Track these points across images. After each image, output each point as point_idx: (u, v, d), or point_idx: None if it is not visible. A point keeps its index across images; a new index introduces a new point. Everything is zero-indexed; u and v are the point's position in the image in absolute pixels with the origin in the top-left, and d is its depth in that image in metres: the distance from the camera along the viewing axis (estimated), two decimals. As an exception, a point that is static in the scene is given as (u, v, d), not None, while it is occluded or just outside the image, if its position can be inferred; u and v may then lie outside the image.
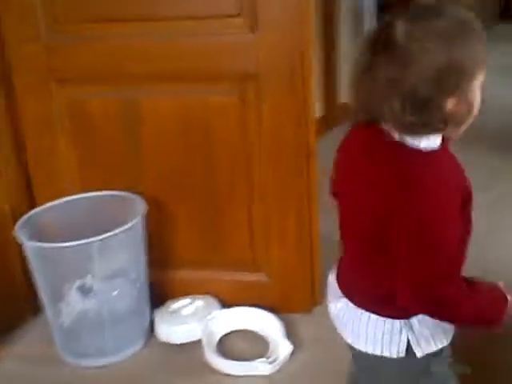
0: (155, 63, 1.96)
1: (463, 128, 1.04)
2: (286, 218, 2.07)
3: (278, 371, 1.90)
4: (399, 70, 0.95)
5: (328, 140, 3.33)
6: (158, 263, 2.12)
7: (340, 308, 1.21)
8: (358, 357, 1.22)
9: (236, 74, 1.94)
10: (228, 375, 1.90)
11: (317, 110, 3.60)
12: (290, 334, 2.01)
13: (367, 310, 1.15)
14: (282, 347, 1.94)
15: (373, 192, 1.05)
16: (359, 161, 1.11)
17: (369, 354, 1.16)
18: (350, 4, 4.05)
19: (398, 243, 1.02)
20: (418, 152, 1.02)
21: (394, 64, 0.96)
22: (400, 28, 0.95)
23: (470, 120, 1.03)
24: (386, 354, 1.14)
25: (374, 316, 1.14)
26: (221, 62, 1.93)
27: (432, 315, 1.07)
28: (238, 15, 1.87)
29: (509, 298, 1.09)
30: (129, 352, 2.04)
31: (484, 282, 1.11)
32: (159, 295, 2.16)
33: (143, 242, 2.01)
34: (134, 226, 1.91)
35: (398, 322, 1.12)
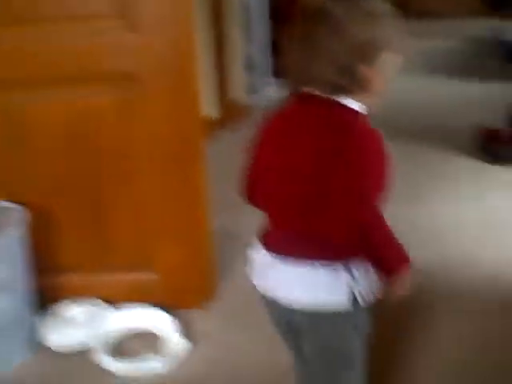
0: (34, 66, 1.92)
1: (376, 99, 1.24)
2: (175, 217, 2.08)
3: (175, 369, 1.91)
4: (331, 38, 1.15)
5: (221, 140, 3.37)
6: (47, 270, 2.08)
7: (277, 275, 1.26)
8: (300, 319, 1.27)
9: (117, 75, 1.93)
10: (123, 377, 1.88)
11: (209, 110, 3.61)
12: (185, 330, 2.02)
13: (309, 262, 1.21)
14: (176, 344, 1.96)
15: (319, 143, 1.19)
16: (296, 129, 1.24)
17: (314, 312, 1.22)
18: (241, 2, 4.08)
19: (341, 185, 1.16)
20: (353, 110, 1.21)
21: (328, 34, 1.15)
22: (336, 7, 1.16)
23: (379, 96, 1.24)
24: (336, 302, 1.21)
25: (317, 265, 1.21)
26: (101, 64, 1.91)
27: (365, 238, 1.17)
28: (117, 15, 1.86)
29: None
30: (15, 363, 1.96)
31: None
32: (49, 302, 2.11)
33: (24, 251, 1.95)
34: (9, 236, 1.87)
35: (341, 273, 1.20)
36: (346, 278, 1.20)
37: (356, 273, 1.21)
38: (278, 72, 4.39)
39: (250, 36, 4.21)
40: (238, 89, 4.05)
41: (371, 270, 1.21)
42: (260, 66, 4.37)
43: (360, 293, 1.21)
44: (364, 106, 1.23)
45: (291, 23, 1.19)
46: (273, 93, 4.30)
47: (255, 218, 1.31)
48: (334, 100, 1.20)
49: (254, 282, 1.34)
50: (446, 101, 4.17)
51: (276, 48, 4.47)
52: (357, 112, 1.22)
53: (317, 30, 1.17)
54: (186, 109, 1.96)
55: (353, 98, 1.21)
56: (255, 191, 1.33)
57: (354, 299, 1.21)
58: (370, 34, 1.17)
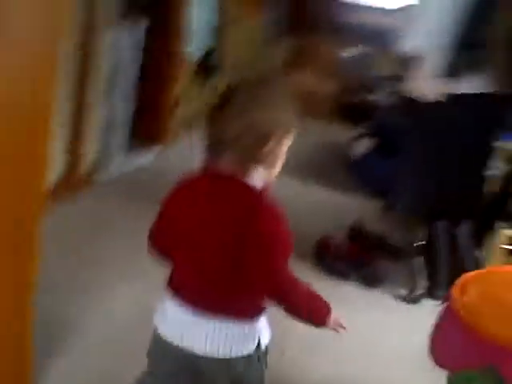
0: None
1: (272, 174, 1.48)
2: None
3: None
4: (242, 121, 1.39)
5: (60, 213, 3.11)
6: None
7: (192, 327, 1.47)
8: (210, 363, 1.48)
9: None
10: None
11: (57, 175, 3.39)
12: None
13: (229, 319, 1.46)
14: None
15: (224, 223, 1.41)
16: (204, 206, 1.45)
17: (224, 359, 1.47)
18: (107, 66, 3.88)
19: (252, 257, 1.39)
20: (254, 188, 1.43)
21: (234, 117, 1.40)
22: (241, 94, 1.44)
23: (277, 169, 1.48)
24: (247, 351, 1.48)
25: (236, 322, 1.47)
26: None
27: (283, 304, 1.47)
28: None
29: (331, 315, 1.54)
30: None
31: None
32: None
33: None
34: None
35: (251, 323, 1.48)
36: (254, 330, 1.49)
37: (260, 325, 1.51)
38: (140, 136, 4.33)
39: (113, 101, 4.03)
40: (90, 159, 3.84)
41: (264, 320, 1.53)
42: (120, 133, 4.18)
43: (262, 338, 1.52)
44: (265, 178, 1.45)
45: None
46: (130, 161, 4.18)
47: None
48: (239, 176, 1.41)
49: (161, 329, 1.53)
50: (291, 204, 4.15)
51: (144, 109, 4.28)
52: (258, 188, 1.43)
53: (229, 113, 1.41)
54: (26, 181, 1.67)
55: (255, 170, 1.42)
56: (165, 248, 1.56)
57: (258, 344, 1.50)
58: (272, 116, 1.43)
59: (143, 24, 4.03)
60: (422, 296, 3.11)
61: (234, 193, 1.43)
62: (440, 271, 3.10)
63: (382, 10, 6.35)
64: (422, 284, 3.12)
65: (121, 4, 3.72)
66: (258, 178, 1.44)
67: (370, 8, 7.04)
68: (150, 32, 4.12)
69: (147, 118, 4.42)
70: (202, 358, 1.48)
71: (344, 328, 1.59)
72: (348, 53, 6.90)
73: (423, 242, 3.23)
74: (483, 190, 3.28)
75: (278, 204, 1.44)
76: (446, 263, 3.08)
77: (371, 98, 5.21)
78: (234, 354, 1.47)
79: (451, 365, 1.61)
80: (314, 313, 1.53)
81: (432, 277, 3.12)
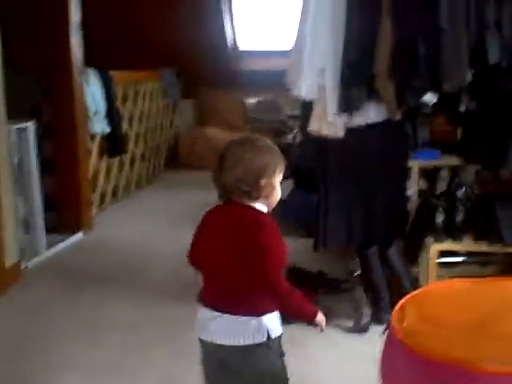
0: None
1: (271, 203, 1.89)
2: None
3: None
4: (239, 169, 1.80)
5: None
6: None
7: (216, 325, 1.86)
8: (231, 352, 1.86)
9: None
10: None
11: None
12: None
13: (240, 315, 1.83)
14: None
15: (239, 236, 1.82)
16: (223, 225, 1.88)
17: (243, 346, 1.84)
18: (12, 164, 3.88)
19: (254, 263, 1.78)
20: (260, 211, 1.86)
21: (231, 169, 1.81)
22: (238, 145, 1.87)
23: (275, 199, 1.89)
24: (257, 340, 1.84)
25: (245, 317, 1.83)
26: None
27: (278, 304, 1.86)
28: None
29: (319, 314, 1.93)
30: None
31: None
32: None
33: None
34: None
35: (259, 319, 1.83)
36: (261, 324, 1.84)
37: (267, 320, 1.85)
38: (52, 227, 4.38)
39: (25, 196, 4.01)
40: (11, 253, 3.75)
41: (275, 315, 1.88)
42: (36, 224, 4.15)
43: (271, 331, 1.85)
44: (266, 207, 1.88)
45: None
46: (50, 251, 4.10)
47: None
48: (248, 205, 1.85)
49: (198, 334, 1.91)
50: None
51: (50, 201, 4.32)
52: (263, 212, 1.87)
53: (227, 164, 1.82)
54: None
55: (259, 202, 1.86)
56: (196, 262, 1.94)
57: (268, 336, 1.84)
58: (264, 160, 1.83)
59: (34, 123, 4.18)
60: (368, 324, 3.14)
61: (244, 216, 1.86)
62: (380, 295, 3.14)
63: (282, 53, 6.52)
64: (367, 312, 3.15)
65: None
66: (261, 206, 1.88)
67: (270, 53, 7.24)
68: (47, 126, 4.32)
69: (65, 204, 4.61)
70: (223, 347, 1.86)
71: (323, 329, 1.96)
72: (252, 100, 7.08)
73: (359, 271, 3.27)
74: (406, 208, 3.39)
75: (276, 225, 1.86)
76: (384, 286, 3.14)
77: (284, 140, 5.32)
78: (243, 343, 1.84)
79: (403, 391, 1.62)
80: (305, 310, 1.94)
81: (375, 303, 3.16)
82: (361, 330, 3.11)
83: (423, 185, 3.79)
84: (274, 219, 1.87)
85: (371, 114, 2.86)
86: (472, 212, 3.26)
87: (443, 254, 3.36)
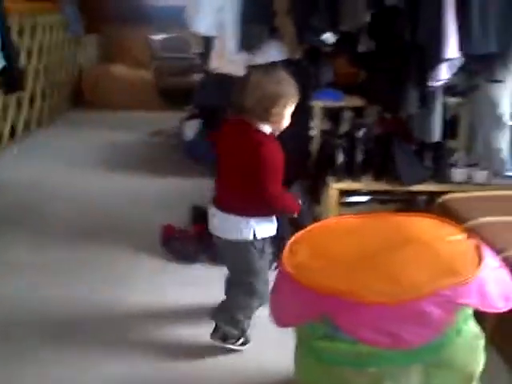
0: None
1: (278, 128, 2.26)
2: None
3: None
4: (256, 92, 2.15)
5: None
6: None
7: (216, 218, 2.32)
8: (225, 244, 2.33)
9: None
10: None
11: None
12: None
13: (234, 214, 2.25)
14: None
15: (244, 151, 2.20)
16: (235, 137, 2.26)
17: (232, 240, 2.29)
18: None
19: (257, 172, 2.16)
20: (264, 133, 2.22)
21: (255, 88, 2.16)
22: (258, 74, 2.23)
23: (282, 126, 2.25)
24: (244, 237, 2.26)
25: (237, 217, 2.25)
26: None
27: (275, 207, 2.27)
28: None
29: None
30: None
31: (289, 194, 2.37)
32: None
33: None
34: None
35: (249, 219, 2.24)
36: (249, 224, 2.25)
37: (256, 220, 2.26)
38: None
39: None
40: None
41: (265, 219, 2.30)
42: None
43: (257, 232, 2.27)
44: (272, 130, 2.25)
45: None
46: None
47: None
48: (255, 126, 2.21)
49: (210, 229, 2.37)
50: (129, 197, 4.08)
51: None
52: (266, 134, 2.23)
53: (248, 87, 2.17)
54: None
55: (266, 124, 2.22)
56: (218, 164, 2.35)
57: (255, 235, 2.26)
58: (278, 89, 2.16)
59: None
60: (272, 261, 3.20)
61: (250, 133, 2.21)
62: (282, 235, 3.20)
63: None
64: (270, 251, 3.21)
65: None
66: (267, 129, 2.23)
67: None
68: None
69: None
70: (220, 239, 2.33)
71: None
72: (159, 37, 6.87)
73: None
74: (309, 149, 3.44)
75: (277, 143, 2.24)
76: (285, 225, 3.20)
77: (189, 79, 5.23)
78: (232, 237, 2.28)
79: (292, 322, 1.68)
80: (292, 208, 2.35)
81: (276, 243, 3.22)
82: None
83: (327, 125, 3.84)
84: (275, 140, 2.26)
85: (273, 52, 2.85)
86: (371, 152, 3.36)
87: (347, 193, 3.46)
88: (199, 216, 3.48)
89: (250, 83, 2.19)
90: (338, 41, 2.81)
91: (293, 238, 1.84)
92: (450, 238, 1.87)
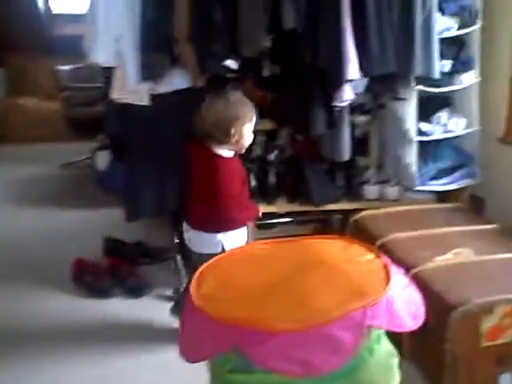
0: None
1: (241, 148, 2.47)
2: None
3: None
4: (215, 115, 2.36)
5: None
6: None
7: (189, 234, 2.56)
8: (200, 257, 2.40)
9: None
10: None
11: None
12: None
13: (203, 231, 2.49)
14: None
15: (204, 173, 2.44)
16: (197, 160, 2.49)
17: (204, 253, 2.38)
18: None
19: (216, 194, 2.40)
20: (221, 156, 2.44)
21: (213, 113, 2.37)
22: (211, 99, 2.41)
23: (243, 145, 2.45)
24: (214, 251, 2.32)
25: (205, 233, 2.49)
26: None
27: (237, 218, 2.50)
28: None
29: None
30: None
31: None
32: None
33: None
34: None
35: (215, 234, 2.45)
36: (217, 240, 2.45)
37: (222, 237, 2.45)
38: None
39: None
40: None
41: (232, 233, 2.47)
42: None
43: (225, 245, 2.43)
44: (235, 151, 2.46)
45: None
46: None
47: None
48: (213, 149, 2.42)
49: (185, 242, 2.60)
50: (39, 233, 3.96)
51: None
52: (223, 157, 2.42)
53: (204, 113, 2.37)
54: None
55: (225, 147, 2.42)
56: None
57: (223, 248, 2.41)
58: (233, 111, 2.35)
59: None
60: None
61: (210, 157, 2.42)
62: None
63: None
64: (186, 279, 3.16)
65: None
66: (227, 153, 2.43)
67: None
68: None
69: None
70: (194, 252, 2.54)
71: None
72: (67, 67, 6.72)
73: (177, 239, 3.26)
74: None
75: (235, 165, 2.46)
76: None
77: (98, 108, 5.13)
78: (205, 252, 2.40)
79: (203, 356, 1.63)
80: (252, 216, 2.65)
81: (193, 269, 3.17)
82: (182, 297, 3.11)
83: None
84: (235, 161, 2.45)
85: (176, 80, 2.81)
86: (284, 174, 3.37)
87: (263, 216, 3.45)
88: (112, 248, 3.39)
89: (206, 109, 2.37)
90: (242, 66, 2.81)
91: (200, 269, 1.79)
92: (359, 259, 1.87)
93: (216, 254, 2.19)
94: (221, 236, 2.47)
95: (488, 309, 2.25)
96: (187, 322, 1.67)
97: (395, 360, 1.81)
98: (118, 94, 2.75)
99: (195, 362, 1.64)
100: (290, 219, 3.70)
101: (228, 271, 1.82)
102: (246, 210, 2.55)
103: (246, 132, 2.40)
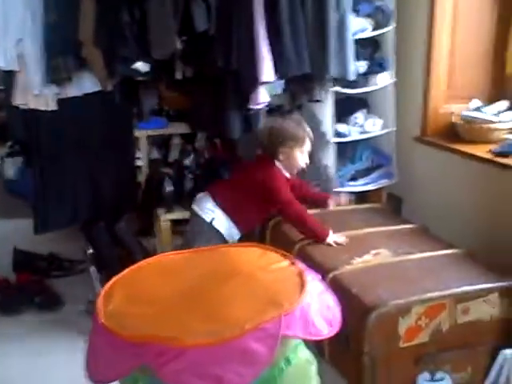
0: None
1: (292, 170, 2.79)
2: None
3: None
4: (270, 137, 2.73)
5: None
6: None
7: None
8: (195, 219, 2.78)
9: None
10: None
11: None
12: None
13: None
14: None
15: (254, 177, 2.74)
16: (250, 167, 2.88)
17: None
18: None
19: (267, 194, 2.71)
20: (271, 165, 2.74)
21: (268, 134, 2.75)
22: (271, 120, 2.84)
23: (291, 167, 2.77)
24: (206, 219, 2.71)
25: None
26: None
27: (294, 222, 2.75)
28: None
29: (330, 238, 2.69)
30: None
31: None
32: None
33: None
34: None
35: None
36: (210, 215, 2.75)
37: (216, 216, 2.75)
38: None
39: None
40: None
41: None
42: None
43: (214, 222, 2.74)
44: (284, 170, 2.76)
45: None
46: None
47: None
48: (269, 159, 2.73)
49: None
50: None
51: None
52: (272, 166, 2.72)
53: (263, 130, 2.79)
54: None
55: (279, 163, 2.73)
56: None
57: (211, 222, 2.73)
58: (286, 133, 2.68)
59: None
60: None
61: (261, 165, 2.74)
62: (114, 273, 3.04)
63: None
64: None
65: None
66: (278, 164, 2.72)
67: None
68: None
69: None
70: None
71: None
72: None
73: (91, 250, 3.13)
74: (135, 180, 3.31)
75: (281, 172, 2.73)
76: (116, 263, 3.04)
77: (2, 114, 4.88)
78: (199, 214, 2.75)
79: (110, 377, 1.54)
80: (315, 232, 2.71)
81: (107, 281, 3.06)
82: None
83: (157, 154, 3.74)
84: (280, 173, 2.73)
85: (86, 84, 2.70)
86: (201, 179, 3.29)
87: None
88: (22, 261, 3.23)
89: (264, 127, 2.80)
90: (155, 68, 2.72)
91: (108, 284, 1.70)
92: (274, 266, 1.82)
93: (203, 222, 2.74)
94: (217, 216, 2.77)
95: (404, 310, 2.25)
96: (94, 340, 1.58)
97: (313, 368, 1.79)
98: (20, 99, 2.60)
99: (103, 382, 1.55)
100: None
101: (137, 285, 1.74)
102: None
103: (295, 155, 2.69)
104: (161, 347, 1.45)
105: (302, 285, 1.70)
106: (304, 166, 2.79)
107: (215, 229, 2.73)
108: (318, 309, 1.67)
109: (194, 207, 2.78)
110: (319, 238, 2.69)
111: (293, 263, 1.84)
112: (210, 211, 2.73)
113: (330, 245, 2.68)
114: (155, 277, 1.77)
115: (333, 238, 2.70)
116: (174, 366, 1.45)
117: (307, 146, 2.72)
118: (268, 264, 1.82)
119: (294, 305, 1.59)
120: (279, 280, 1.73)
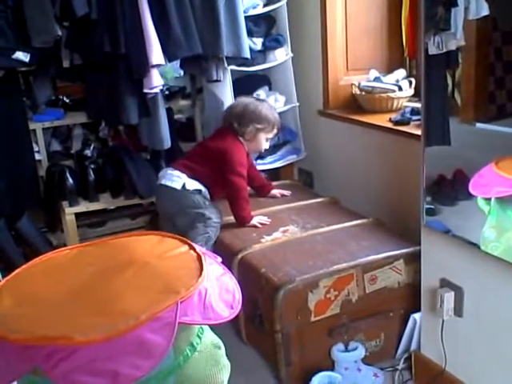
0: None
1: (252, 152, 3.02)
2: None
3: None
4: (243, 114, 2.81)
5: None
6: None
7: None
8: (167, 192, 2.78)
9: None
10: None
11: None
12: None
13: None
14: None
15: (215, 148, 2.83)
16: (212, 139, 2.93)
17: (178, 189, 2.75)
18: None
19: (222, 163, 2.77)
20: (235, 140, 2.84)
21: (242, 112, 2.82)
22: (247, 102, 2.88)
23: (254, 148, 2.92)
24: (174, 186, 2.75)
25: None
26: None
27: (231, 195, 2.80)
28: None
29: (254, 220, 2.76)
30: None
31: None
32: None
33: None
34: None
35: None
36: (181, 181, 2.78)
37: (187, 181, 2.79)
38: None
39: None
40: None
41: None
42: None
43: (187, 185, 2.77)
44: (247, 148, 2.88)
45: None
46: None
47: None
48: (232, 134, 2.81)
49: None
50: None
51: None
52: (235, 141, 2.81)
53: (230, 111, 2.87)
54: None
55: (242, 139, 2.83)
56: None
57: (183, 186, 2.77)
58: (260, 114, 2.77)
59: None
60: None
61: (225, 137, 2.79)
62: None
63: None
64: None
65: None
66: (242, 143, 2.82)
67: None
68: None
69: None
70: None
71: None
72: None
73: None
74: (36, 174, 3.18)
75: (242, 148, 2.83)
76: (21, 260, 2.92)
77: None
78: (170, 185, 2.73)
79: (2, 382, 1.46)
80: (243, 212, 2.77)
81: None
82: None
83: (57, 146, 3.61)
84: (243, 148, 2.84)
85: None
86: (104, 169, 3.20)
87: (92, 214, 3.27)
88: None
89: (236, 103, 2.90)
90: (41, 57, 2.59)
91: (-5, 286, 1.60)
92: (172, 253, 1.77)
93: (175, 189, 2.75)
94: (188, 181, 2.81)
95: (313, 284, 2.26)
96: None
97: (221, 351, 1.76)
98: None
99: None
100: (121, 213, 3.56)
101: (27, 285, 1.64)
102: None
103: (260, 138, 2.80)
104: (50, 348, 1.38)
105: (200, 269, 1.65)
106: (263, 151, 2.93)
107: (189, 190, 2.74)
108: (218, 292, 1.63)
109: (162, 181, 2.75)
110: (244, 219, 2.75)
111: (191, 248, 1.79)
112: (178, 178, 2.73)
113: (255, 226, 2.73)
114: (46, 275, 1.69)
115: (256, 219, 2.75)
116: (65, 366, 1.38)
117: (273, 133, 2.84)
118: (165, 251, 1.76)
119: (191, 290, 1.55)
120: (176, 267, 1.68)
